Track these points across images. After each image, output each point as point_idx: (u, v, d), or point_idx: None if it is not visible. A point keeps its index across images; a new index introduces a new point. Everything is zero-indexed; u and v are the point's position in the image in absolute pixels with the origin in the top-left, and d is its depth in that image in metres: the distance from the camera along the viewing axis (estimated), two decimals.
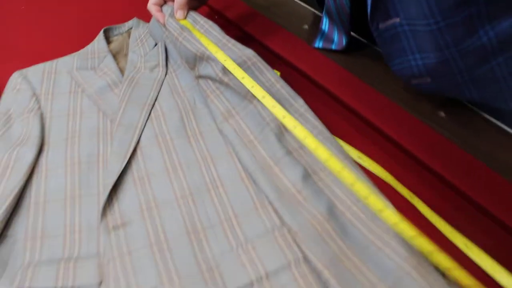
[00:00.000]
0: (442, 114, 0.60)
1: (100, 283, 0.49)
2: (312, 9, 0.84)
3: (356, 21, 0.70)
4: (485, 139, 0.56)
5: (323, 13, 0.72)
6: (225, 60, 0.64)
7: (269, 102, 0.59)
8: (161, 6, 0.75)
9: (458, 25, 0.51)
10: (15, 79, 0.70)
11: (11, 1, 0.96)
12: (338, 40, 0.73)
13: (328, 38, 0.74)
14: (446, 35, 0.52)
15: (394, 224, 0.46)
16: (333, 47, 0.74)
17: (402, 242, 0.48)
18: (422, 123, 0.59)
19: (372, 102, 0.62)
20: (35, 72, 0.72)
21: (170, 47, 0.75)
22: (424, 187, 0.54)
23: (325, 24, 0.73)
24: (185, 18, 0.72)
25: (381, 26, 0.60)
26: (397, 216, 0.46)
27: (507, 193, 0.51)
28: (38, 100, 0.67)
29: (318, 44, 0.75)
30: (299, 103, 0.61)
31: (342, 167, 0.51)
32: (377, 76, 0.67)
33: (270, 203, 0.53)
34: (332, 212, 0.52)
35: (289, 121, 0.56)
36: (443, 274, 0.47)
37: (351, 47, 0.72)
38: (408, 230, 0.45)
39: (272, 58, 0.71)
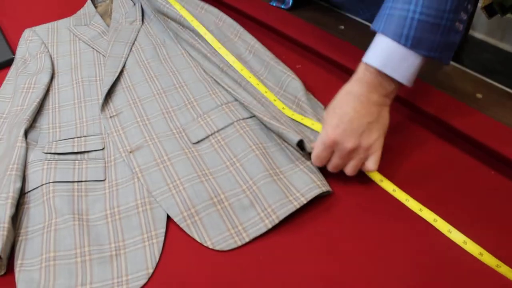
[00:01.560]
0: (342, 27, 0.84)
1: (103, 148, 0.71)
2: None
3: None
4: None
5: None
6: (180, 9, 0.88)
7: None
8: None
9: None
10: (27, 33, 0.92)
11: None
12: (287, 0, 0.95)
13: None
14: None
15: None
16: (283, 6, 0.96)
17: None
18: (329, 34, 0.82)
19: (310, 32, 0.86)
20: (41, 29, 0.94)
21: (144, 7, 0.98)
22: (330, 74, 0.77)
23: None
24: None
25: None
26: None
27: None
28: (46, 46, 0.89)
29: (273, 3, 0.97)
30: (236, 27, 0.86)
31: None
32: (316, 18, 0.90)
33: (224, 89, 0.75)
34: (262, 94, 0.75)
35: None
36: None
37: (299, 4, 0.94)
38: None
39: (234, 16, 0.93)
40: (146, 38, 0.90)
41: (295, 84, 0.74)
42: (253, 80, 0.75)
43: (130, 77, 0.81)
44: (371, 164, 0.59)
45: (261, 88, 0.74)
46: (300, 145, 0.63)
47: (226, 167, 0.65)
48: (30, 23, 0.97)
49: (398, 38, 0.55)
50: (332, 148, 0.59)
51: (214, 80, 0.78)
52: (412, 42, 0.55)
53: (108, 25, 0.96)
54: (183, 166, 0.65)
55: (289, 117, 0.69)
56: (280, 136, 0.66)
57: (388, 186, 0.60)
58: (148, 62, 0.84)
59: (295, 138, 0.62)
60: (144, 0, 0.97)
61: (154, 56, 0.85)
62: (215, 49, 0.82)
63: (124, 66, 0.83)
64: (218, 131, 0.70)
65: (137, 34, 0.91)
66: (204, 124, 0.71)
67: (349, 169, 0.60)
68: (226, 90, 0.75)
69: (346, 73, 0.76)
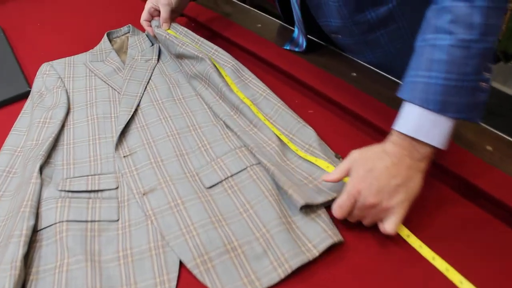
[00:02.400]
0: (354, 74, 0.86)
1: (117, 187, 0.71)
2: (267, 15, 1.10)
3: (314, 29, 0.95)
4: (384, 86, 0.81)
5: (295, 24, 0.97)
6: (197, 50, 0.90)
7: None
8: (150, 21, 1.00)
9: (351, 4, 0.78)
10: (44, 67, 0.94)
11: (28, 22, 1.21)
12: (301, 43, 0.97)
13: (295, 42, 0.98)
14: (344, 9, 0.79)
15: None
16: (297, 49, 0.97)
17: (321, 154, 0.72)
18: (342, 81, 0.84)
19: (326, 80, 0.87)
20: (58, 63, 0.96)
21: (163, 49, 1.01)
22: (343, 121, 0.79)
23: (295, 32, 0.98)
24: (169, 28, 0.97)
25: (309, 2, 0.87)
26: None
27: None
28: (62, 81, 0.91)
29: (287, 46, 0.99)
30: (247, 73, 0.86)
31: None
32: (329, 64, 0.92)
33: (235, 133, 0.76)
34: (277, 138, 0.75)
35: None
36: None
37: (312, 49, 0.96)
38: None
39: (243, 56, 0.95)
40: (160, 77, 0.92)
41: (307, 131, 0.75)
42: (266, 122, 0.77)
43: (144, 116, 0.82)
44: (389, 225, 0.59)
45: (275, 131, 0.75)
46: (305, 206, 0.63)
47: (240, 213, 0.65)
48: (47, 57, 0.99)
49: (425, 104, 0.56)
50: (355, 198, 0.59)
51: (226, 123, 0.79)
52: (440, 107, 0.56)
53: (123, 61, 0.97)
54: (196, 210, 0.65)
55: (302, 157, 0.70)
56: (286, 194, 0.66)
57: (402, 232, 0.61)
58: (163, 102, 0.85)
59: (300, 202, 0.62)
60: (160, 42, 0.99)
61: (168, 96, 0.87)
62: (228, 91, 0.82)
63: (138, 105, 0.85)
64: (231, 176, 0.70)
65: (152, 73, 0.93)
66: (218, 169, 0.72)
67: (365, 222, 0.61)
68: (236, 135, 0.76)
69: (359, 120, 0.78)
